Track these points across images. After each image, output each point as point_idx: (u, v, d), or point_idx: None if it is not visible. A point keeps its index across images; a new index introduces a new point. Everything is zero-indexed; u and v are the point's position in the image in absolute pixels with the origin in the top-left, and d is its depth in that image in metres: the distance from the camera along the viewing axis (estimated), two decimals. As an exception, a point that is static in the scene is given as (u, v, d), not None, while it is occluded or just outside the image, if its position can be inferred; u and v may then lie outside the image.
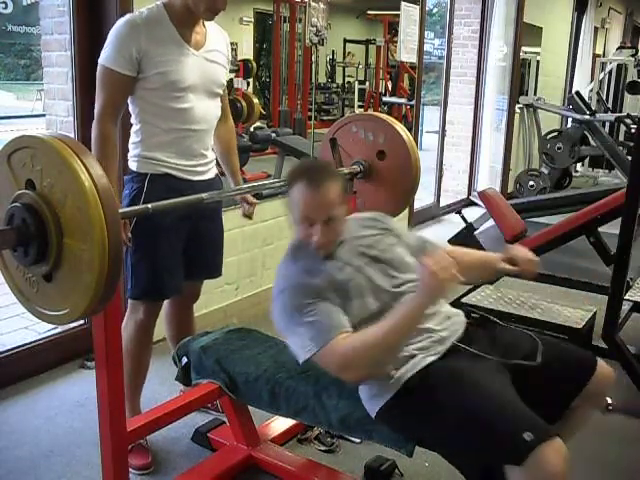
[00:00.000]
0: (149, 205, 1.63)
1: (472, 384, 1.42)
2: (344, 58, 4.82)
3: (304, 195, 1.53)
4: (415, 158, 2.27)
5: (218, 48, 2.05)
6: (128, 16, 1.91)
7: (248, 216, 2.34)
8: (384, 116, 2.34)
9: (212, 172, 2.13)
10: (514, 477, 1.28)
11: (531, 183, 6.58)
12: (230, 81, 3.69)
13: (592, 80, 9.04)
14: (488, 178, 6.57)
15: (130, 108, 1.99)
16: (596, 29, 9.52)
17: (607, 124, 7.30)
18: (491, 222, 3.60)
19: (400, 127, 2.28)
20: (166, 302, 2.21)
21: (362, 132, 2.31)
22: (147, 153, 1.97)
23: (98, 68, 1.90)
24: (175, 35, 1.92)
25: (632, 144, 4.51)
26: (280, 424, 2.28)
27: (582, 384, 1.56)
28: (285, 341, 1.62)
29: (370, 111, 4.89)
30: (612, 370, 1.64)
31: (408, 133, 2.30)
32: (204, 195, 1.88)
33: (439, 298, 1.44)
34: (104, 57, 1.89)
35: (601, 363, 1.61)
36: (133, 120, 2.00)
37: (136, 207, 1.55)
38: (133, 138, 2.01)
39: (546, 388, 1.54)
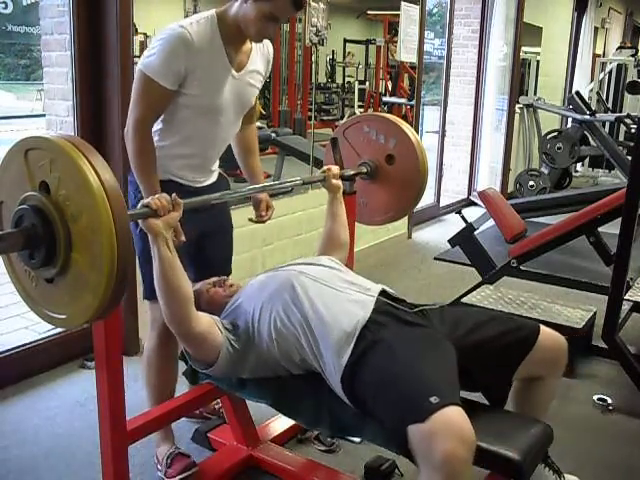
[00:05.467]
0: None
1: (397, 354, 1.52)
2: (344, 58, 4.82)
3: None
4: (424, 168, 2.26)
5: (258, 68, 2.01)
6: (181, 29, 1.77)
7: (260, 221, 2.24)
8: (397, 120, 2.31)
9: (214, 177, 2.11)
10: (417, 438, 1.32)
11: (531, 183, 6.59)
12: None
13: (592, 80, 9.04)
14: (488, 178, 6.58)
15: None
16: (596, 29, 9.52)
17: (607, 124, 7.30)
18: (491, 222, 3.60)
19: (412, 134, 2.26)
20: None
21: (374, 133, 2.29)
22: (159, 161, 1.90)
23: (140, 75, 1.80)
24: (223, 57, 1.86)
25: (632, 144, 4.51)
26: (280, 424, 2.28)
27: (527, 347, 1.66)
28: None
29: (370, 111, 4.89)
30: (561, 337, 1.74)
31: (419, 141, 2.28)
32: (213, 196, 1.87)
33: (157, 237, 1.54)
34: (150, 67, 1.78)
35: (546, 329, 1.72)
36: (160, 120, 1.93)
37: (141, 210, 1.52)
38: None
39: (496, 357, 1.66)
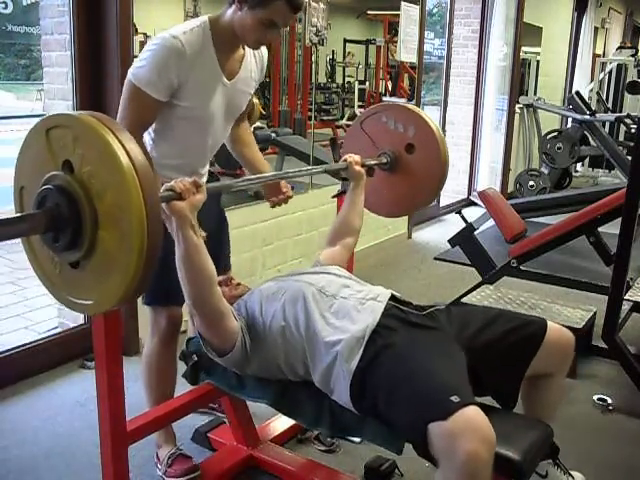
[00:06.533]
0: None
1: (411, 355, 1.51)
2: (344, 58, 4.81)
3: None
4: (445, 154, 2.21)
5: (251, 74, 1.98)
6: (173, 39, 1.73)
7: (286, 199, 2.18)
8: (416, 108, 2.28)
9: (204, 180, 2.07)
10: (438, 437, 1.32)
11: (531, 183, 6.59)
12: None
13: (592, 80, 9.05)
14: (488, 178, 6.57)
15: None
16: (596, 29, 9.52)
17: (607, 124, 7.30)
18: (491, 222, 3.60)
19: (431, 121, 2.22)
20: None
21: (392, 123, 2.25)
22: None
23: (129, 85, 1.76)
24: (215, 65, 1.83)
25: (632, 144, 4.51)
26: (280, 424, 2.28)
27: (535, 344, 1.65)
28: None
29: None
30: (568, 331, 1.72)
31: (439, 128, 2.23)
32: (235, 181, 1.85)
33: (183, 220, 1.49)
34: (139, 77, 1.74)
35: (553, 324, 1.71)
36: (149, 129, 1.91)
37: (165, 193, 1.50)
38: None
39: (505, 356, 1.65)
